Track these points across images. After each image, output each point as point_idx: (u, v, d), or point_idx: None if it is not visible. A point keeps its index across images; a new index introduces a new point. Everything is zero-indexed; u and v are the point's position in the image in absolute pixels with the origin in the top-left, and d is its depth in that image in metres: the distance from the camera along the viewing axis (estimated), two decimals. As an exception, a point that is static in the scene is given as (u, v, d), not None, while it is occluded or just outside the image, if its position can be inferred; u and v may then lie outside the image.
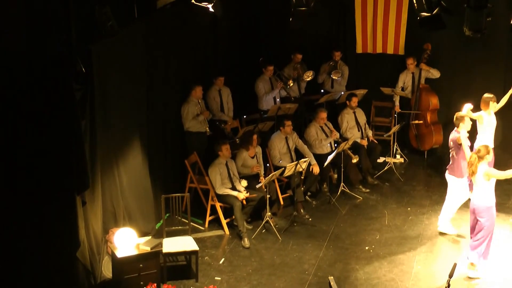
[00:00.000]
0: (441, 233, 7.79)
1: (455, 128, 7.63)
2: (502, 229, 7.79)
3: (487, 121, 8.26)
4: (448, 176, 7.73)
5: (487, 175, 6.54)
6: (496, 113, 8.38)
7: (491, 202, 6.65)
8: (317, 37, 10.81)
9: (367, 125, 9.72)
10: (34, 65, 5.39)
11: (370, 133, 9.68)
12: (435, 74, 10.04)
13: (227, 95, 9.37)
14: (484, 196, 6.62)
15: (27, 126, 5.44)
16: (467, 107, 8.02)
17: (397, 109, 10.16)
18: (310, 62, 10.42)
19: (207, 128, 8.71)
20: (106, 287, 6.57)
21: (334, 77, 10.40)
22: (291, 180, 8.36)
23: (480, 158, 6.59)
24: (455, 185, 7.60)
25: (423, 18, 6.78)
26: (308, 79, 10.16)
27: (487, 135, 8.28)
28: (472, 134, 8.25)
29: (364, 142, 9.40)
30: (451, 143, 7.68)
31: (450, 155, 7.73)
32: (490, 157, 6.67)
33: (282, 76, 10.02)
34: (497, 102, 8.31)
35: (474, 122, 8.33)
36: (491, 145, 8.25)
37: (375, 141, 9.66)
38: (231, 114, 9.47)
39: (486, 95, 8.30)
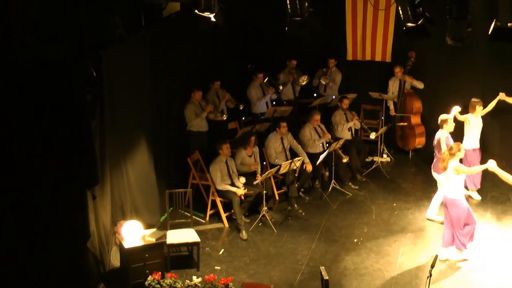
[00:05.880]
0: (428, 219, 7.96)
1: (440, 129, 7.84)
2: (500, 227, 7.96)
3: (473, 123, 8.43)
4: (433, 173, 7.93)
5: (457, 171, 6.77)
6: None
7: (460, 195, 6.88)
8: (312, 45, 10.89)
9: (356, 117, 9.75)
10: (49, 68, 5.44)
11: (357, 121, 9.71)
12: (418, 85, 10.15)
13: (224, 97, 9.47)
14: (454, 189, 6.86)
15: (42, 125, 5.49)
16: (455, 109, 8.17)
17: (392, 112, 10.32)
18: (305, 68, 10.53)
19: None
20: (114, 274, 6.72)
21: (322, 82, 10.57)
22: (286, 177, 8.51)
23: (452, 155, 6.83)
24: (440, 180, 7.76)
25: (408, 28, 6.76)
26: (303, 83, 10.31)
27: (473, 136, 8.45)
28: (459, 135, 8.41)
29: (357, 124, 9.60)
30: (435, 142, 7.88)
31: (434, 154, 7.95)
32: (461, 154, 6.87)
33: (272, 82, 10.08)
34: (484, 107, 8.50)
35: (461, 124, 8.48)
36: (477, 145, 8.46)
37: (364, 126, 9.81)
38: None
39: (473, 99, 8.47)
